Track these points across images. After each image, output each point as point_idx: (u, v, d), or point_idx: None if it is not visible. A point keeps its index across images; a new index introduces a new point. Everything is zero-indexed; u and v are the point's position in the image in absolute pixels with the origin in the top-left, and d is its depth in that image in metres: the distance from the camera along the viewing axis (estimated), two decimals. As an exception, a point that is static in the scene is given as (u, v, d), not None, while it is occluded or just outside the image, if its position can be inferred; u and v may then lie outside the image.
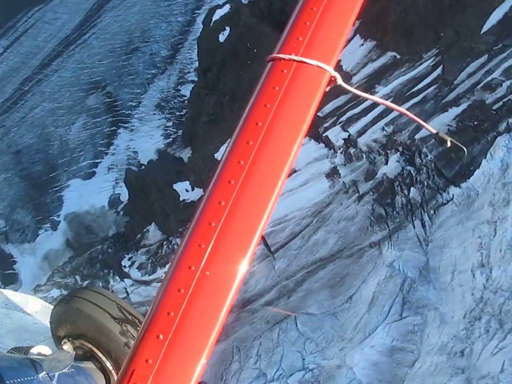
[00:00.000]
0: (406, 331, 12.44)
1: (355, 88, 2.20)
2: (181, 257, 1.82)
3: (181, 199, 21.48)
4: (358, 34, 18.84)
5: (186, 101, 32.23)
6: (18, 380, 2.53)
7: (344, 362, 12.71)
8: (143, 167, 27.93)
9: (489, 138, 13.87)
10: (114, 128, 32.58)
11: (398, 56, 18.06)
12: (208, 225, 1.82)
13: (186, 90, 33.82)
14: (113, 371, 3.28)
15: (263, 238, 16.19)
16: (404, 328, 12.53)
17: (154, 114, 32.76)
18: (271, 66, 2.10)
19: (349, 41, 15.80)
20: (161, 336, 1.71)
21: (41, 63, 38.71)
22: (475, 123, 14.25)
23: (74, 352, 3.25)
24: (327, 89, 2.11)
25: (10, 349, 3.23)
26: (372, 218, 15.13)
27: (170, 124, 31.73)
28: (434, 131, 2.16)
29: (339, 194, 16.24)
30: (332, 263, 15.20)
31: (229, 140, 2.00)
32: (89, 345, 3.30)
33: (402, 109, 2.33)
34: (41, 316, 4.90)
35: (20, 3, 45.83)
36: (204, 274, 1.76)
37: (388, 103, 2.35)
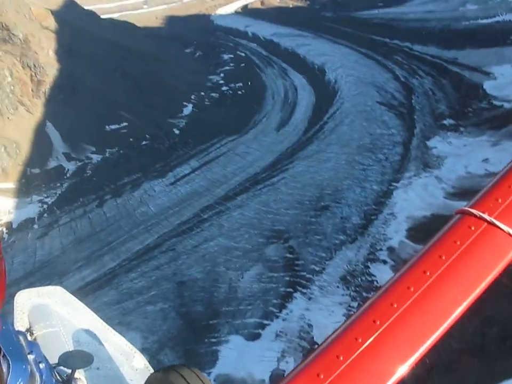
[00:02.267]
0: None
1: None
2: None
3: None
4: None
5: (375, 282, 28.50)
6: None
7: None
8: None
9: None
10: (290, 289, 29.44)
11: None
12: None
13: (376, 269, 30.20)
14: None
15: None
16: None
17: (338, 287, 29.12)
18: (458, 218, 1.96)
19: None
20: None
21: (226, 195, 37.85)
22: None
23: None
24: (515, 261, 1.85)
25: None
26: None
27: (355, 304, 27.75)
28: None
29: None
30: None
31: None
32: None
33: None
34: (139, 375, 4.79)
35: (216, 130, 47.04)
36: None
37: None
